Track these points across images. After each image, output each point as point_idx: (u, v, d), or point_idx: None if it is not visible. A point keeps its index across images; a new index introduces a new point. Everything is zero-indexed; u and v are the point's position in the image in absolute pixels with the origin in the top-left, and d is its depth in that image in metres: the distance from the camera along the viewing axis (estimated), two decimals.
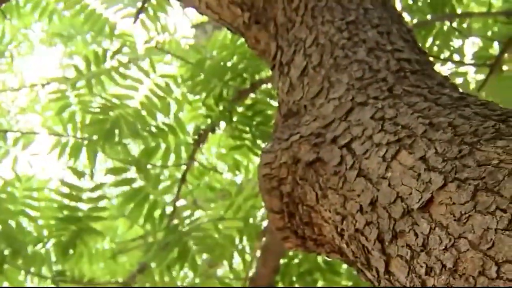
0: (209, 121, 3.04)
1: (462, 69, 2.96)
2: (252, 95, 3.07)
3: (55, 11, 3.39)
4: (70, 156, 3.02)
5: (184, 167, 3.07)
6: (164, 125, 3.02)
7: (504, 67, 2.76)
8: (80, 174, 2.97)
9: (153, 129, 3.00)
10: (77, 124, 3.02)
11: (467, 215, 0.89)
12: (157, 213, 2.96)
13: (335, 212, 1.19)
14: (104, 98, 2.99)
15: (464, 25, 2.92)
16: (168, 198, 3.06)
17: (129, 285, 3.17)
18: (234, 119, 3.01)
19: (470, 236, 0.86)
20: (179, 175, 3.09)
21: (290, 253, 2.99)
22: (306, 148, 1.29)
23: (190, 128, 3.17)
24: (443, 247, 0.90)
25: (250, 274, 3.05)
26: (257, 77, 3.02)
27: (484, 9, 3.11)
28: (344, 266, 2.97)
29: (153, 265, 3.12)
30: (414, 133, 1.09)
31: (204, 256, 3.36)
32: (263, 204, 1.41)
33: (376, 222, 1.05)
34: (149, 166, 2.98)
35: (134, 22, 3.07)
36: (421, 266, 0.93)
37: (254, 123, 3.00)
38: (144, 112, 3.01)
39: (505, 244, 0.81)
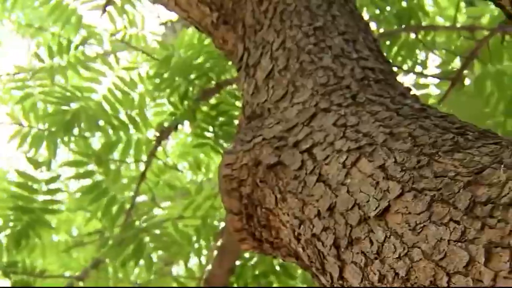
0: (172, 118, 3.02)
1: (423, 81, 3.01)
2: (217, 95, 3.06)
3: (23, 2, 3.33)
4: (31, 147, 2.96)
5: (144, 164, 3.04)
6: (127, 118, 2.99)
7: (465, 82, 2.81)
8: (37, 165, 2.92)
9: (115, 123, 2.96)
10: (38, 114, 2.97)
11: (421, 225, 0.90)
12: (115, 208, 2.92)
13: (293, 216, 1.19)
14: (66, 89, 2.95)
15: (428, 38, 2.96)
16: (127, 194, 3.03)
17: (81, 280, 3.13)
18: (198, 117, 2.99)
19: (423, 246, 0.88)
20: (139, 171, 3.06)
21: (246, 255, 2.99)
22: (268, 151, 1.29)
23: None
24: (397, 256, 0.91)
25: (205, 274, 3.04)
26: (222, 77, 3.01)
27: (449, 23, 3.17)
28: (299, 270, 2.98)
29: (107, 260, 3.08)
30: (374, 141, 1.10)
31: (160, 253, 3.33)
32: (222, 204, 1.41)
33: (333, 228, 1.06)
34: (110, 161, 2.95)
35: (102, 14, 3.03)
36: (374, 274, 0.94)
37: (218, 123, 2.99)
38: (106, 106, 2.97)
39: (457, 255, 0.83)
